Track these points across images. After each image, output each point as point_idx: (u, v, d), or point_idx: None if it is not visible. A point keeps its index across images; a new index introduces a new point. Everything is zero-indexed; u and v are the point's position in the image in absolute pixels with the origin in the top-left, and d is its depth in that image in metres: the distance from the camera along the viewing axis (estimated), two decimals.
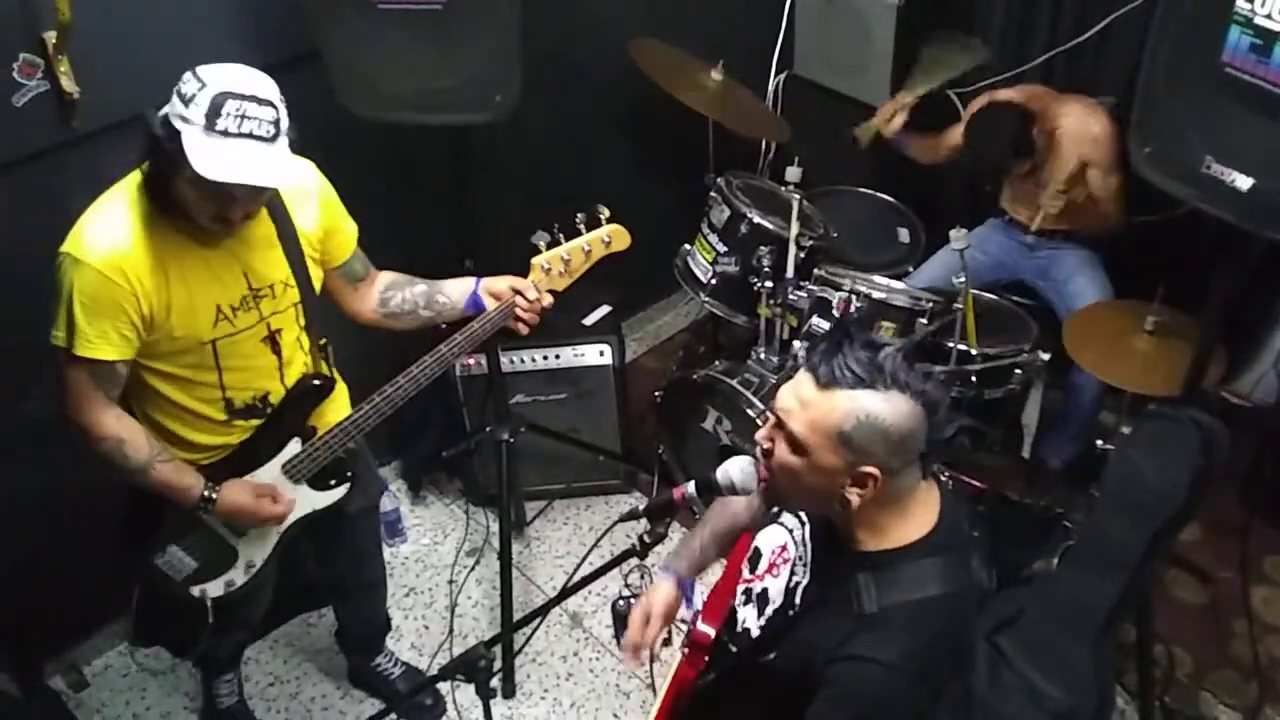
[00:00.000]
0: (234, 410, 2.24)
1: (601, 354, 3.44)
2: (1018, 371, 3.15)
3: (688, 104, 3.25)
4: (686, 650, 2.14)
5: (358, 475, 2.49)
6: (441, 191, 3.04)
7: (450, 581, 3.47)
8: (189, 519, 2.27)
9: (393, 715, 2.98)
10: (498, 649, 2.10)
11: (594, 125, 3.72)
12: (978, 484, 3.19)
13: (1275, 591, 3.26)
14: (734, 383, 3.18)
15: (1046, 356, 3.16)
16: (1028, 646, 2.47)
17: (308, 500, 2.39)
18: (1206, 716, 2.96)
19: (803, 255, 3.19)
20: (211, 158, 1.85)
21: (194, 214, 1.98)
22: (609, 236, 2.42)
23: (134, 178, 2.02)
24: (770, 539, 1.90)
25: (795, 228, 3.12)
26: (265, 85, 1.92)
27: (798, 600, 1.80)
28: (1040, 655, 2.44)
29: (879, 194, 3.87)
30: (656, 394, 3.54)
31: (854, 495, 1.60)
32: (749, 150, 4.03)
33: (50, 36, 2.39)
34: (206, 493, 2.19)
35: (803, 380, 1.60)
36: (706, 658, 2.08)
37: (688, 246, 3.47)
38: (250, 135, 1.88)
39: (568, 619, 3.34)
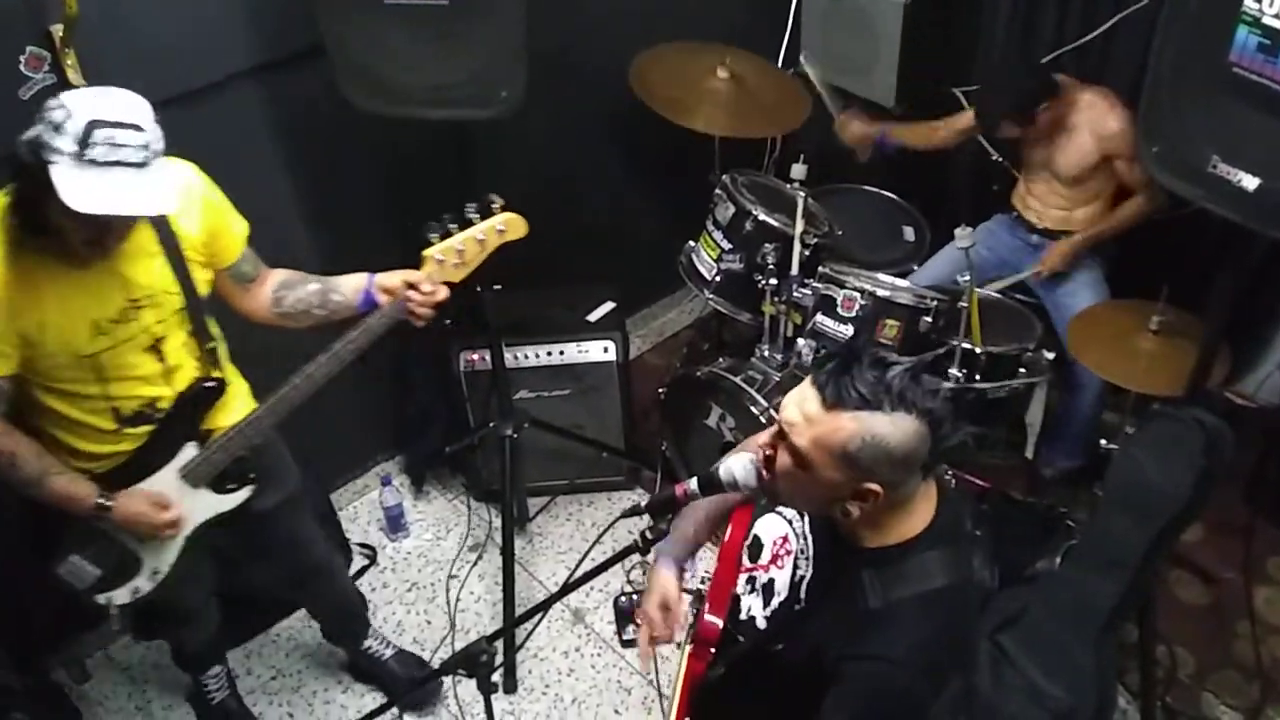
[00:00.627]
0: (123, 419, 2.22)
1: (605, 350, 3.44)
2: (1022, 370, 3.15)
3: (694, 126, 3.23)
4: (693, 645, 2.14)
5: (265, 473, 2.46)
6: (445, 187, 3.04)
7: (452, 577, 3.47)
8: (90, 528, 2.26)
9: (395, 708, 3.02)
10: (499, 644, 2.11)
11: (599, 121, 3.72)
12: (981, 483, 3.19)
13: (1278, 592, 3.26)
14: (738, 380, 3.18)
15: (1051, 355, 3.16)
16: (1030, 645, 2.48)
17: (209, 504, 2.36)
18: (1208, 717, 2.96)
19: (807, 253, 3.19)
20: (82, 190, 1.81)
21: (67, 239, 1.95)
22: (504, 225, 2.32)
23: (1, 198, 1.99)
24: (770, 529, 1.91)
25: (800, 225, 3.12)
26: (136, 109, 1.87)
27: (803, 595, 1.82)
28: (1042, 654, 2.44)
29: (884, 192, 3.87)
30: (660, 390, 3.54)
31: (854, 508, 1.61)
32: (754, 147, 4.02)
33: (57, 30, 2.38)
34: (100, 501, 2.18)
35: (809, 396, 1.60)
36: (713, 650, 2.09)
37: (692, 243, 3.46)
38: (120, 163, 1.84)
39: (570, 615, 3.34)
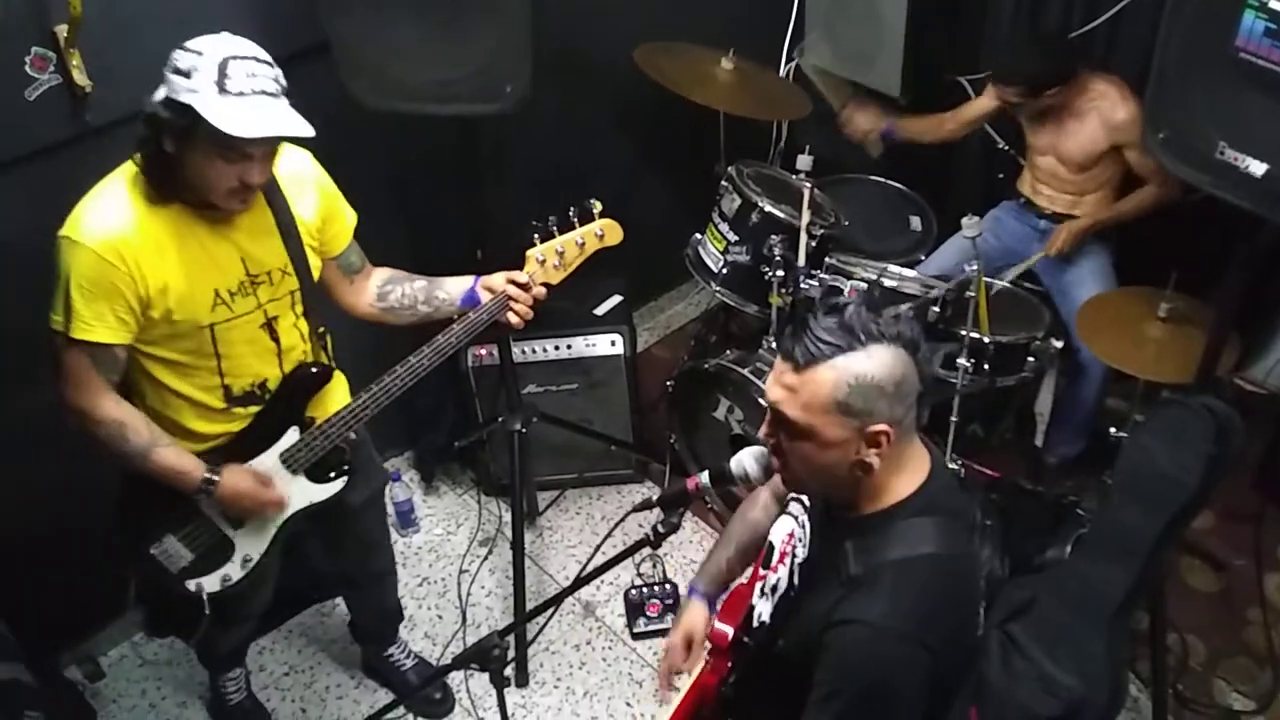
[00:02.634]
0: (232, 397, 2.24)
1: (613, 344, 3.44)
2: (1031, 359, 3.14)
3: (699, 100, 3.23)
4: (709, 657, 2.13)
5: (358, 467, 2.49)
6: (452, 183, 3.05)
7: (463, 571, 3.48)
8: (186, 509, 2.27)
9: (403, 708, 3.03)
10: (511, 638, 2.11)
11: (604, 115, 3.72)
12: (991, 472, 3.19)
13: None
14: (745, 372, 3.18)
15: (1060, 344, 3.16)
16: (1040, 634, 2.47)
17: (305, 492, 2.38)
18: (1220, 704, 2.96)
19: (814, 244, 3.19)
20: (233, 117, 1.87)
21: (212, 189, 1.99)
22: (602, 230, 2.43)
23: (130, 163, 2.03)
24: (780, 530, 1.90)
25: (806, 216, 3.11)
26: (260, 48, 1.94)
27: (797, 580, 1.81)
28: (1053, 643, 2.44)
29: (890, 182, 3.86)
30: (668, 383, 3.54)
31: (873, 457, 1.59)
32: (760, 139, 4.02)
33: (62, 30, 2.39)
34: (208, 475, 2.18)
35: (782, 368, 1.60)
36: (729, 663, 2.07)
37: (699, 236, 3.46)
38: (262, 92, 1.91)
39: (580, 608, 3.34)
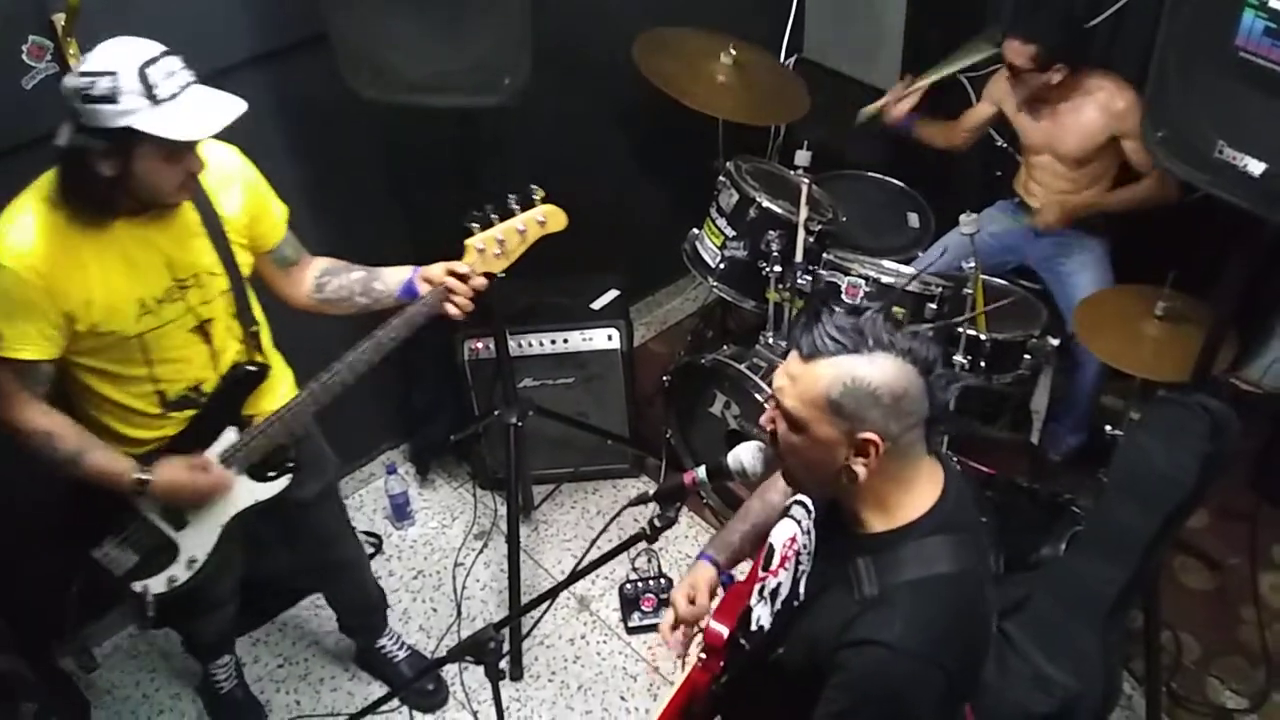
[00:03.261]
0: (167, 402, 2.22)
1: (609, 338, 3.44)
2: (1027, 357, 3.15)
3: (698, 106, 3.22)
4: (702, 654, 2.13)
5: (306, 463, 2.47)
6: (449, 175, 3.04)
7: (458, 564, 3.48)
8: (125, 513, 2.26)
9: (397, 700, 3.03)
10: (506, 632, 2.11)
11: (603, 109, 3.71)
12: (986, 469, 3.19)
13: None
14: (742, 367, 3.18)
15: (1056, 342, 3.16)
16: (1035, 632, 2.47)
17: (250, 491, 2.36)
18: (1214, 702, 2.96)
19: (811, 240, 3.18)
20: (177, 122, 1.86)
21: (161, 193, 1.98)
22: (544, 216, 2.36)
23: (47, 179, 2.00)
24: (782, 533, 1.88)
25: (804, 212, 3.11)
26: (153, 42, 1.91)
27: (802, 590, 1.79)
28: (1047, 641, 2.44)
29: (888, 178, 3.86)
30: (664, 378, 3.54)
31: (859, 466, 1.56)
32: (758, 134, 4.02)
33: (59, 19, 2.38)
34: (140, 475, 2.16)
35: (791, 357, 1.59)
36: (721, 662, 2.06)
37: (696, 231, 3.46)
38: (187, 85, 1.90)
39: (575, 602, 3.35)
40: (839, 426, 1.54)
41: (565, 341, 3.44)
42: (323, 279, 2.41)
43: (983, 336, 3.03)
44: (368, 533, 3.57)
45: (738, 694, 1.95)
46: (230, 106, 1.93)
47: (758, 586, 1.92)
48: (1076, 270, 3.35)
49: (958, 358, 3.00)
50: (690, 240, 3.48)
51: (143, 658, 3.24)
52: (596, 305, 3.51)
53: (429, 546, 3.56)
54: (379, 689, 3.11)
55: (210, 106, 1.91)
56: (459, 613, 3.33)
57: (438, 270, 2.32)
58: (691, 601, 2.03)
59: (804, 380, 1.56)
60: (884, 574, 1.59)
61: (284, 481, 2.41)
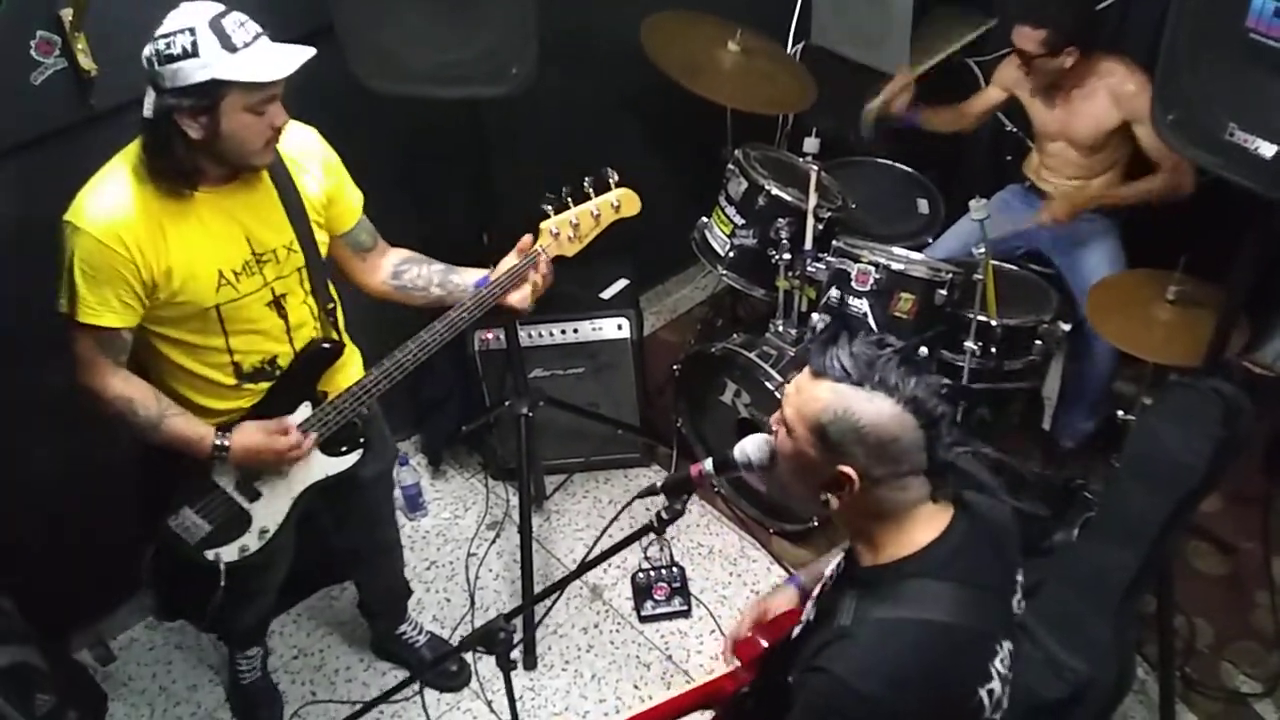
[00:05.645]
0: (243, 374, 2.26)
1: (619, 327, 3.44)
2: (1038, 342, 3.14)
3: (705, 94, 3.21)
4: (737, 665, 2.10)
5: (371, 441, 2.50)
6: (458, 166, 3.04)
7: (471, 555, 3.49)
8: (202, 482, 2.29)
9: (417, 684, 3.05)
10: (518, 621, 2.12)
11: (610, 98, 3.71)
12: (997, 454, 3.17)
13: None
14: (752, 355, 3.18)
15: (1067, 327, 3.15)
16: (1048, 618, 2.47)
17: (320, 465, 2.40)
18: (1227, 687, 2.96)
19: (821, 227, 3.18)
20: (257, 66, 1.93)
21: (250, 150, 2.03)
22: (618, 200, 2.40)
23: (133, 148, 2.04)
24: (830, 564, 1.87)
25: (813, 199, 3.11)
26: (216, 1, 1.96)
27: (812, 619, 1.80)
28: (1060, 626, 2.44)
29: (898, 164, 3.85)
30: (675, 367, 3.54)
31: (831, 497, 1.56)
32: (766, 121, 4.01)
33: (67, 14, 2.38)
34: (219, 440, 2.20)
35: (805, 368, 1.59)
36: (752, 678, 2.04)
37: (705, 219, 3.45)
38: (258, 35, 1.96)
39: (588, 591, 3.35)
40: (820, 451, 1.54)
41: (575, 331, 3.44)
42: (402, 267, 2.45)
43: (993, 322, 3.02)
44: None
45: (756, 713, 1.94)
46: (302, 50, 1.98)
47: (804, 612, 1.92)
48: (1089, 254, 3.34)
49: (968, 343, 3.00)
50: (699, 229, 3.48)
51: (159, 650, 3.26)
52: (606, 295, 3.51)
53: (442, 537, 3.57)
54: (394, 679, 3.12)
55: (283, 53, 1.97)
56: (472, 603, 3.34)
57: (513, 257, 2.37)
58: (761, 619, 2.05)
59: (805, 395, 1.56)
60: (863, 608, 1.57)
61: (355, 456, 2.44)
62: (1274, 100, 2.07)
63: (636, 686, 3.10)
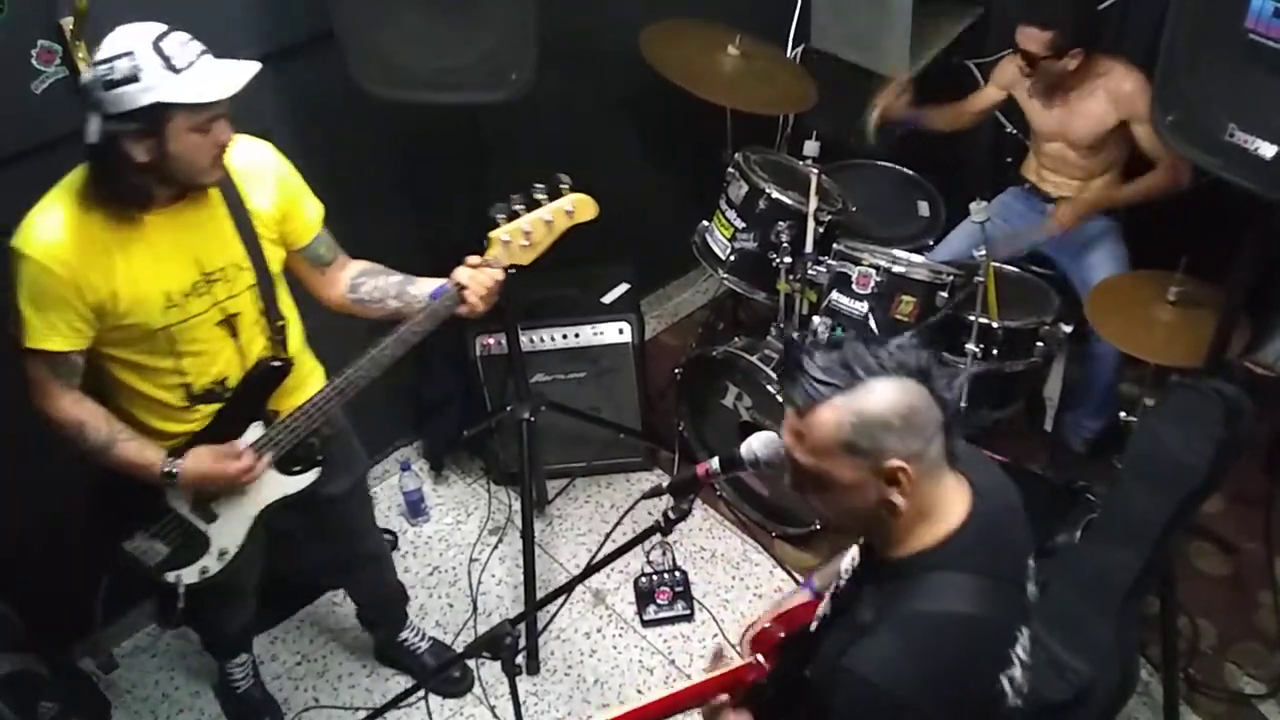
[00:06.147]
0: (193, 395, 2.24)
1: (621, 332, 3.44)
2: (1040, 344, 3.14)
3: (704, 95, 3.22)
4: (756, 654, 2.11)
5: (335, 459, 2.48)
6: (458, 170, 3.04)
7: (473, 560, 3.49)
8: (156, 505, 2.29)
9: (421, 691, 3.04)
10: (522, 626, 2.11)
11: (610, 102, 3.71)
12: (999, 457, 3.17)
13: None
14: (754, 359, 3.18)
15: (1069, 328, 3.15)
16: (1051, 619, 2.47)
17: (277, 485, 2.38)
18: (1231, 688, 2.96)
19: (821, 230, 3.18)
20: (200, 86, 1.90)
21: (197, 169, 2.00)
22: (572, 206, 2.31)
23: (76, 175, 2.02)
24: (847, 558, 1.86)
25: (814, 202, 3.11)
26: (157, 22, 1.95)
27: (829, 614, 1.79)
28: (1063, 628, 2.44)
29: (898, 167, 3.85)
30: (676, 371, 3.54)
31: (895, 496, 1.50)
32: (767, 125, 4.01)
33: (67, 23, 2.39)
34: (168, 467, 2.19)
35: (789, 414, 1.55)
36: (768, 670, 2.02)
37: (706, 223, 3.45)
38: (202, 54, 1.94)
39: (591, 596, 3.35)
40: (861, 465, 1.49)
41: (576, 336, 3.44)
42: (359, 280, 2.41)
43: (995, 324, 3.02)
44: (383, 529, 3.57)
45: (774, 703, 1.93)
46: (246, 67, 1.96)
47: (819, 607, 1.91)
48: (1091, 255, 3.34)
49: (970, 345, 3.00)
50: (700, 232, 3.48)
51: (162, 657, 3.26)
52: (607, 299, 3.52)
53: (444, 543, 3.57)
54: (397, 685, 3.12)
55: (227, 70, 1.95)
56: (475, 608, 3.34)
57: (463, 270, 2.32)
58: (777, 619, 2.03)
59: (811, 433, 1.51)
60: (885, 602, 1.55)
61: (312, 476, 2.42)
62: (1273, 101, 2.07)
63: (640, 691, 3.09)
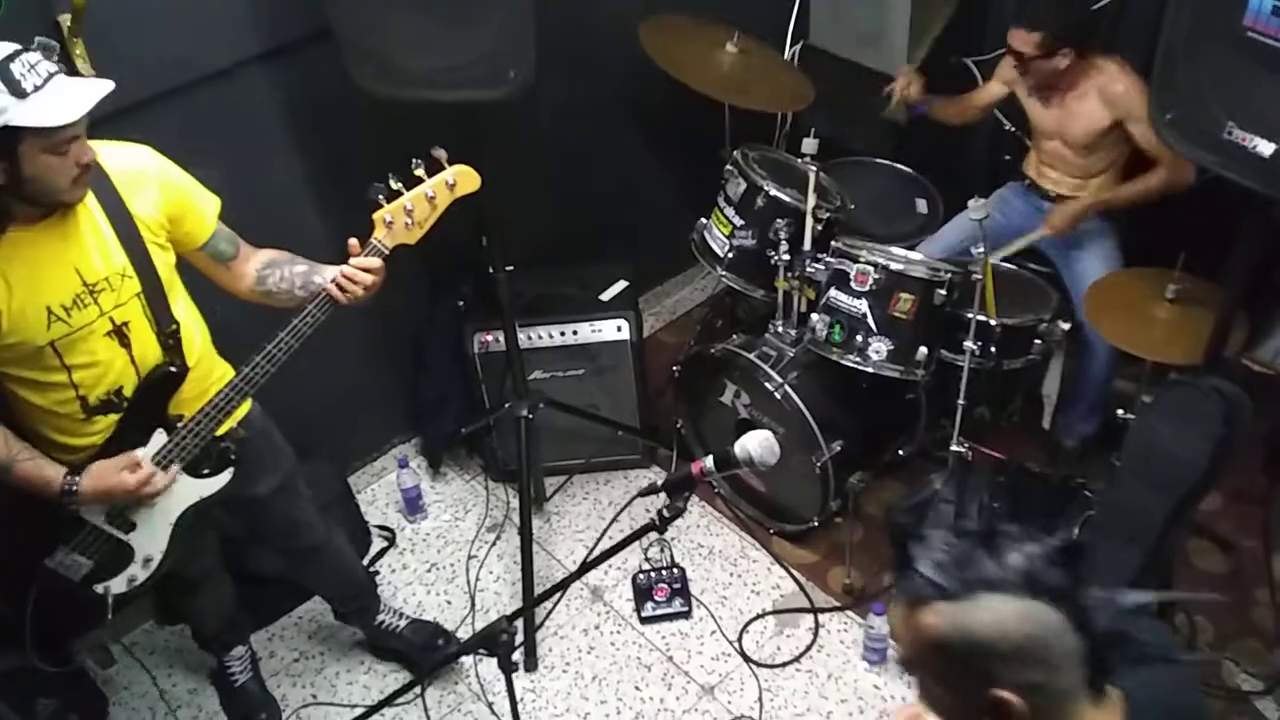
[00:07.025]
0: (90, 408, 2.20)
1: (619, 329, 3.44)
2: (1038, 342, 3.14)
3: (703, 90, 3.22)
4: None
5: (256, 459, 2.46)
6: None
7: (471, 557, 3.49)
8: (72, 520, 2.26)
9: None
10: (519, 623, 2.11)
11: (608, 100, 3.71)
12: (998, 454, 3.18)
13: None
14: (752, 356, 3.18)
15: (1067, 326, 3.15)
16: None
17: (191, 489, 2.35)
18: (1228, 685, 2.96)
19: (820, 227, 3.18)
20: (50, 110, 1.87)
21: (58, 189, 1.97)
22: (454, 179, 2.27)
23: None
24: None
25: (812, 200, 3.11)
26: (7, 43, 1.90)
27: None
28: None
29: (896, 164, 3.85)
30: (674, 368, 3.54)
31: None
32: (765, 122, 4.01)
33: (65, 19, 2.39)
34: (68, 485, 2.16)
35: (897, 599, 1.33)
36: None
37: (704, 220, 3.45)
38: (51, 75, 1.90)
39: (588, 593, 3.35)
40: (959, 686, 1.27)
41: (575, 333, 3.44)
42: (265, 271, 2.37)
43: (992, 321, 3.02)
44: (381, 527, 3.58)
45: None
46: (98, 86, 1.93)
47: None
48: (1084, 255, 3.33)
49: (968, 343, 3.00)
50: (698, 230, 3.48)
51: (159, 653, 3.26)
52: (605, 296, 3.51)
53: (442, 539, 3.57)
54: (394, 680, 3.13)
55: (79, 91, 1.91)
56: (473, 605, 3.34)
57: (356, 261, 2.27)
58: None
59: (912, 629, 1.29)
60: None
61: (226, 477, 2.39)
62: (1271, 98, 2.07)
63: (637, 688, 3.10)
